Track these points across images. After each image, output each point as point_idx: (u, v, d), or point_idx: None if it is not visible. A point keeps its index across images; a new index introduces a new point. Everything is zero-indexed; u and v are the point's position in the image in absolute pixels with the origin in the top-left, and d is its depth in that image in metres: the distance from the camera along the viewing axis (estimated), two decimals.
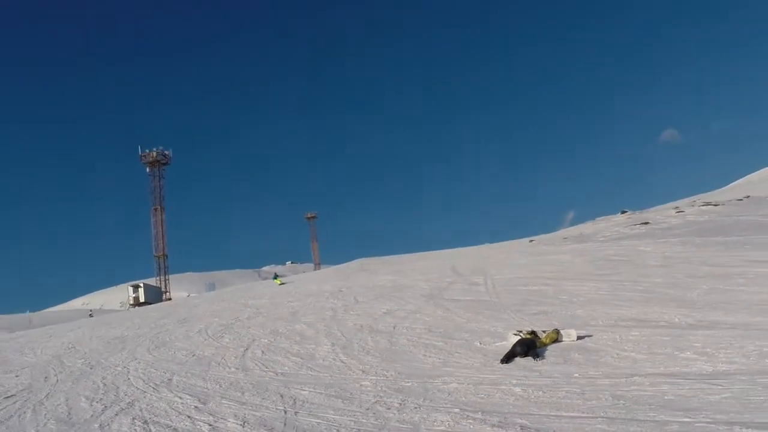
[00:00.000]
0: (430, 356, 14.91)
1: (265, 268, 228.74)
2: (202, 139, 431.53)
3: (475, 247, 58.78)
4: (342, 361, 15.56)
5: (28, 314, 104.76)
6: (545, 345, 14.23)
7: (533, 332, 14.75)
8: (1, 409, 14.64)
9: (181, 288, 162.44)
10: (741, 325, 14.26)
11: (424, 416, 10.03)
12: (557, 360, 12.93)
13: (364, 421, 10.25)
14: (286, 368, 15.61)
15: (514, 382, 11.46)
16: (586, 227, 55.68)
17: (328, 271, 61.02)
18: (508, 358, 13.35)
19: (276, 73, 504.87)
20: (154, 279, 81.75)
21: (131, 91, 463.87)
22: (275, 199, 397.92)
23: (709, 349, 12.15)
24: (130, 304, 72.58)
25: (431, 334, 17.57)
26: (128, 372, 17.61)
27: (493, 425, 9.15)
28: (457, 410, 10.08)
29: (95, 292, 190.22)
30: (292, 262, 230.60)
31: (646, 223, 46.15)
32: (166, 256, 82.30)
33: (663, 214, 51.71)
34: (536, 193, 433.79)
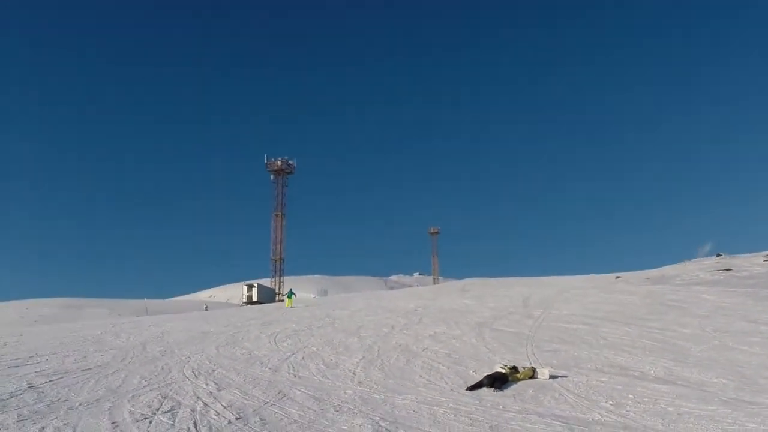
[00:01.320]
0: (422, 377, 17.14)
1: (393, 277, 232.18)
2: (332, 150, 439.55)
3: (567, 277, 59.84)
4: (353, 373, 18.06)
5: (144, 301, 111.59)
6: (519, 380, 16.24)
7: (514, 367, 16.71)
8: (74, 378, 17.80)
9: (305, 289, 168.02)
10: (697, 384, 15.64)
11: (347, 419, 12.56)
12: (511, 393, 14.93)
13: (298, 413, 12.95)
14: (307, 373, 18.20)
15: (452, 405, 13.64)
16: (673, 268, 55.59)
17: (427, 288, 63.55)
18: (473, 387, 15.52)
19: (407, 93, 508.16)
20: (269, 280, 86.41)
21: (266, 100, 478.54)
22: (403, 212, 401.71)
23: (628, 402, 13.81)
24: (243, 302, 77.07)
25: (447, 359, 19.75)
26: (187, 362, 20.62)
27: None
28: (378, 419, 12.53)
29: (225, 285, 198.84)
30: (420, 273, 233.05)
31: (729, 269, 45.93)
32: (283, 259, 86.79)
33: (750, 261, 51.02)
34: (673, 222, 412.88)
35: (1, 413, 13.10)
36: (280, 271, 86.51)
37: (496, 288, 49.41)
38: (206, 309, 74.50)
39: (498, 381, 15.66)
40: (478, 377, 16.52)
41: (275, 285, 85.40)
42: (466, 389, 15.48)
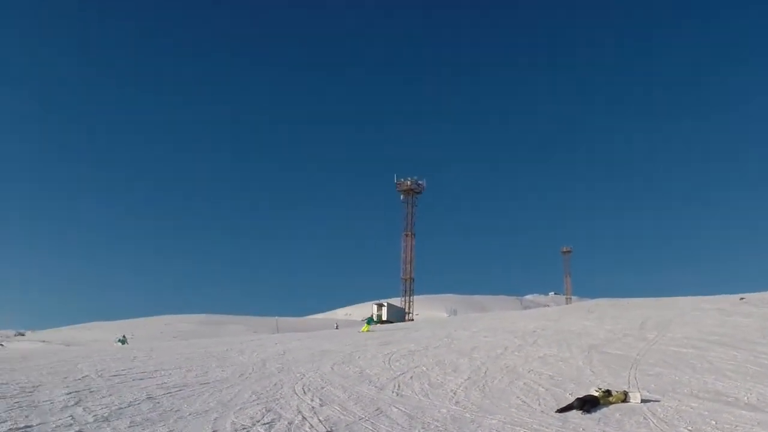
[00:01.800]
0: (518, 398, 17.55)
1: (528, 297, 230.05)
2: (458, 171, 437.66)
3: (694, 298, 57.88)
4: (454, 393, 18.57)
5: (276, 319, 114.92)
6: (611, 403, 16.32)
7: (608, 391, 16.83)
8: (191, 390, 19.02)
9: (437, 309, 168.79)
10: None
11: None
12: (598, 416, 15.16)
13: (386, 429, 13.49)
14: (410, 392, 18.83)
15: (535, 427, 14.04)
16: None
17: (554, 309, 63.08)
18: (563, 409, 15.79)
19: (535, 109, 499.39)
20: (400, 299, 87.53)
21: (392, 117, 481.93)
22: (535, 229, 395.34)
23: (707, 428, 13.79)
24: (374, 321, 78.34)
25: (548, 381, 20.02)
26: (301, 379, 21.61)
27: None
28: None
29: (360, 304, 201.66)
30: (555, 293, 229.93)
31: None
32: (412, 279, 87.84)
33: None
34: None
35: (116, 419, 14.32)
36: (410, 291, 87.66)
37: (621, 309, 48.61)
38: (337, 328, 76.22)
39: (588, 404, 15.85)
40: (572, 400, 16.71)
41: (405, 304, 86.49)
42: (556, 411, 15.76)
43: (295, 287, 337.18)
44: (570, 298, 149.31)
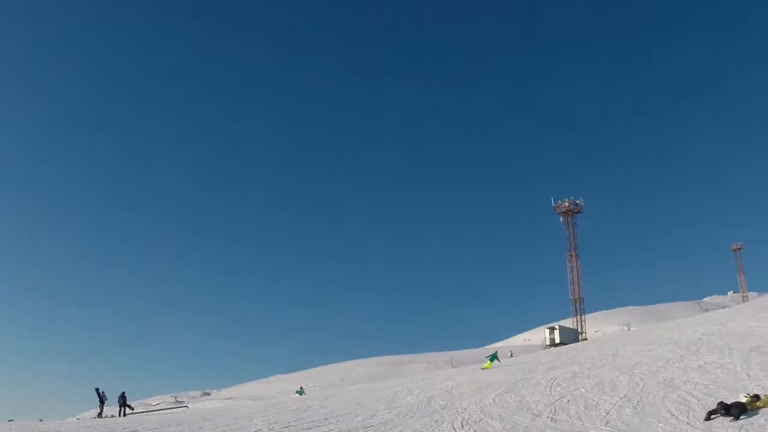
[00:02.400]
0: (668, 412, 17.78)
1: (707, 299, 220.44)
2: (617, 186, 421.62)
3: None
4: (607, 412, 18.81)
5: (450, 354, 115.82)
6: (759, 408, 16.02)
7: (756, 396, 16.53)
8: None
9: (613, 323, 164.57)
10: None
11: None
12: (744, 422, 15.06)
13: None
14: (564, 416, 19.25)
15: None
16: None
17: (724, 311, 60.71)
18: (709, 415, 15.69)
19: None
20: (570, 320, 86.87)
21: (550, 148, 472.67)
22: (703, 226, 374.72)
23: None
24: (547, 345, 78.22)
25: (703, 391, 19.87)
26: (462, 413, 22.28)
27: None
28: None
29: (535, 329, 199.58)
30: (734, 292, 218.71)
31: None
32: (582, 299, 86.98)
33: None
34: None
35: None
36: (580, 311, 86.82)
37: None
38: (511, 356, 76.17)
39: (735, 409, 15.64)
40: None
41: (577, 325, 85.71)
42: (704, 419, 15.67)
43: (467, 319, 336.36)
44: (746, 296, 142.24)
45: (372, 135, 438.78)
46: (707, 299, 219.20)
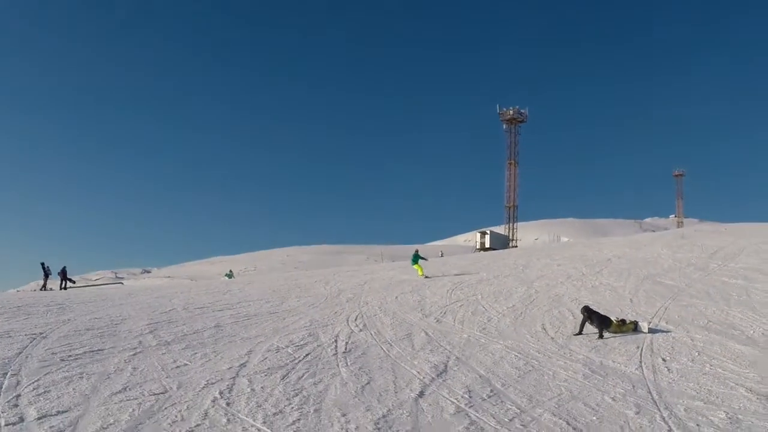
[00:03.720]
0: (542, 325, 19.84)
1: (648, 220, 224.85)
2: (563, 99, 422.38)
3: None
4: (488, 320, 20.74)
5: (380, 249, 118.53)
6: (623, 332, 18.05)
7: (623, 320, 18.58)
8: (256, 320, 21.11)
9: (548, 233, 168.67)
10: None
11: (425, 355, 15.37)
12: (600, 344, 17.04)
13: (396, 350, 15.68)
14: (450, 319, 20.97)
15: (533, 352, 16.11)
16: None
17: (649, 235, 63.16)
18: (580, 330, 17.86)
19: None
20: (503, 226, 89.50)
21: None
22: (645, 152, 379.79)
23: (680, 358, 15.47)
24: (477, 249, 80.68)
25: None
26: (362, 307, 23.84)
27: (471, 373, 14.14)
28: (449, 353, 15.12)
29: (469, 232, 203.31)
30: (675, 216, 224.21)
31: None
32: (516, 206, 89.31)
33: None
34: None
35: (176, 344, 16.97)
36: (513, 218, 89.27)
37: (716, 236, 48.61)
38: (441, 255, 78.52)
39: (598, 322, 17.81)
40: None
41: (509, 232, 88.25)
42: (574, 335, 17.82)
43: (408, 215, 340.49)
44: (682, 222, 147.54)
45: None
46: (648, 220, 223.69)
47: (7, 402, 10.83)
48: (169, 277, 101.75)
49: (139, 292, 33.05)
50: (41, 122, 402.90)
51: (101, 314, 22.10)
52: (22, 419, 9.96)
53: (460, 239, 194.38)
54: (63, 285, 45.74)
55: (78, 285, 55.60)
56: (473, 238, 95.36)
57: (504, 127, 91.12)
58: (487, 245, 78.90)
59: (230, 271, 71.20)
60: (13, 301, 25.99)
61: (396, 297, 26.63)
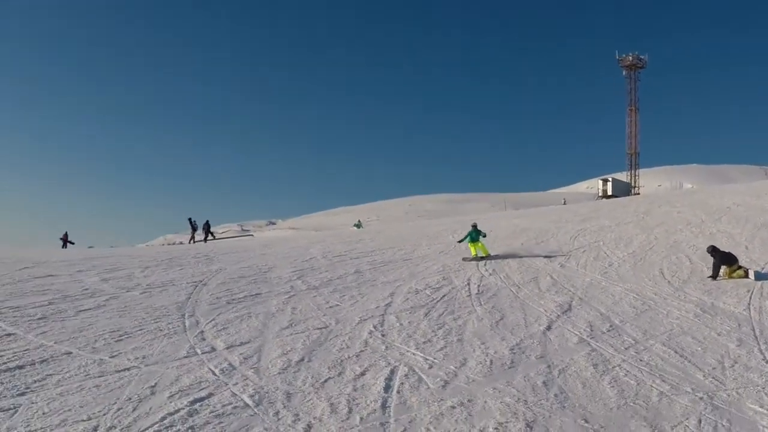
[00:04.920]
0: (660, 270, 20.97)
1: None
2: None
3: None
4: (609, 264, 21.81)
5: (503, 197, 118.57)
6: (733, 278, 18.85)
7: (738, 267, 19.36)
8: (393, 266, 22.83)
9: (673, 180, 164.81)
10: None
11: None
12: (712, 287, 17.98)
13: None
14: (573, 264, 22.13)
15: (649, 294, 17.13)
16: None
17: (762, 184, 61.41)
18: (714, 274, 18.93)
19: None
20: (625, 174, 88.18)
21: None
22: None
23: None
24: (599, 196, 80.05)
25: (700, 255, 22.44)
26: (413, 250, 25.39)
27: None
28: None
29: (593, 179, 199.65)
30: None
31: None
32: (637, 153, 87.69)
33: None
34: None
35: (324, 287, 18.80)
36: (635, 165, 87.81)
37: None
38: (564, 203, 78.59)
39: (717, 261, 18.78)
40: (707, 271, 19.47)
41: (630, 179, 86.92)
42: (708, 277, 19.07)
43: (531, 163, 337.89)
44: None
45: None
46: None
47: (195, 337, 12.66)
48: (293, 228, 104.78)
49: (274, 243, 35.14)
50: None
51: (248, 264, 24.06)
52: (213, 349, 11.75)
53: (582, 186, 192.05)
54: (206, 238, 48.80)
55: (218, 238, 58.81)
56: (595, 185, 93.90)
57: (623, 73, 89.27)
58: (610, 193, 78.16)
59: (359, 221, 73.07)
60: (163, 254, 28.34)
61: (521, 243, 27.82)
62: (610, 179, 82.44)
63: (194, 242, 48.08)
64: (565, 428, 8.22)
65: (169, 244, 76.85)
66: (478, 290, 18.12)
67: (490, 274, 20.70)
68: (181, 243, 67.83)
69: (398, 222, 73.26)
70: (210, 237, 49.66)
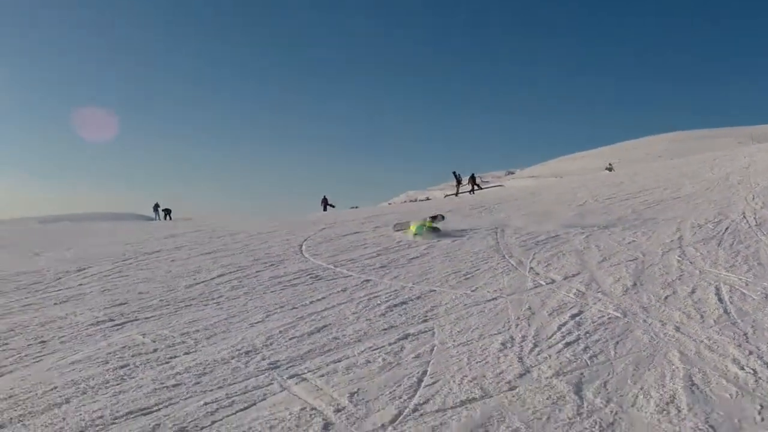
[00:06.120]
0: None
1: None
2: None
3: None
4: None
5: (750, 129, 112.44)
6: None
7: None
8: (666, 204, 24.47)
9: None
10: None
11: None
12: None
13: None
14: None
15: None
16: None
17: None
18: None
19: None
20: None
21: None
22: None
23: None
24: None
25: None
26: (753, 189, 26.29)
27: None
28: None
29: None
30: None
31: None
32: None
33: None
34: None
35: (614, 227, 20.76)
36: None
37: None
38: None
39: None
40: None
41: None
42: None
43: None
44: None
45: None
46: None
47: (529, 272, 14.98)
48: (533, 176, 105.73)
49: (540, 190, 37.34)
50: None
51: (526, 211, 26.40)
52: (553, 281, 13.78)
53: None
54: (472, 189, 52.37)
55: (482, 188, 61.86)
56: None
57: None
58: None
59: (609, 164, 73.28)
60: (439, 205, 31.13)
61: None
62: None
63: (458, 195, 51.60)
64: None
65: (410, 201, 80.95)
66: (756, 222, 19.61)
67: (762, 207, 21.99)
68: (427, 198, 71.71)
69: (640, 164, 72.82)
70: (477, 188, 53.02)
